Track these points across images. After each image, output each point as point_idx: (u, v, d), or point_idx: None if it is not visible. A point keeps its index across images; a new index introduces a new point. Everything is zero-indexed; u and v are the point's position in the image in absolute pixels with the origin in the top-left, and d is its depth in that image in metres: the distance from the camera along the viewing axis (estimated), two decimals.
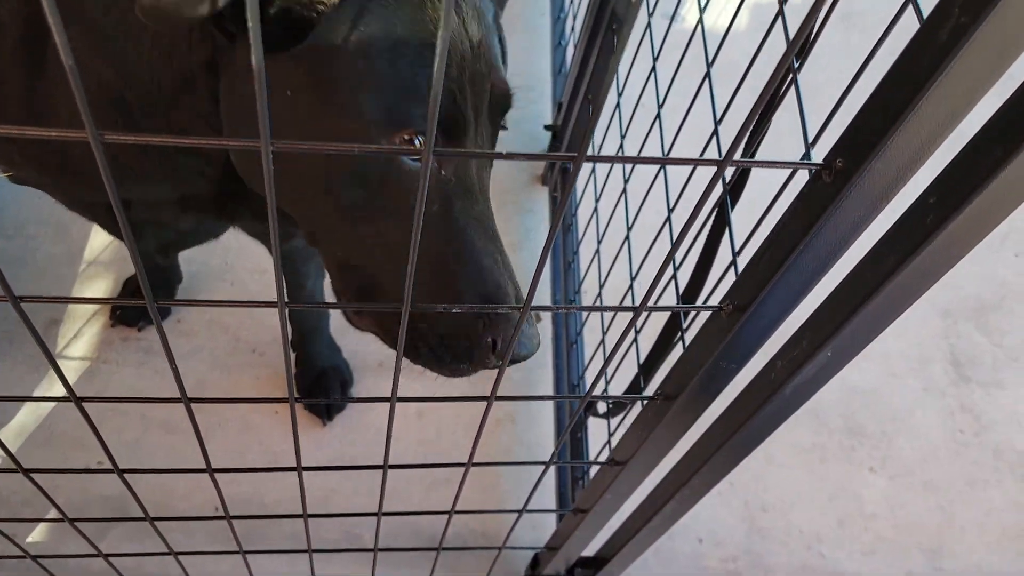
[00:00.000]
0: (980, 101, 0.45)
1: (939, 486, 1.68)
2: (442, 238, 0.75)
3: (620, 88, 1.39)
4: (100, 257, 1.71)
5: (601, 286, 1.46)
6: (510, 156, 0.43)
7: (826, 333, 0.63)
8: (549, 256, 1.77)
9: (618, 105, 1.40)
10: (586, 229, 1.65)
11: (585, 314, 1.64)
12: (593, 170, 1.60)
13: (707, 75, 1.01)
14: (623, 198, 1.39)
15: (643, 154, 1.31)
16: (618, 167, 1.49)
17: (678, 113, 1.13)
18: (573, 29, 1.98)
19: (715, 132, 0.96)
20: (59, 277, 1.69)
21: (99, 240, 1.73)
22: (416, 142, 0.71)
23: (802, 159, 0.53)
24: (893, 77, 0.45)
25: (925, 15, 0.46)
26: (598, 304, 1.49)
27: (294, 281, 1.36)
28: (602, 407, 1.39)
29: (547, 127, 1.94)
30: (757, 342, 0.65)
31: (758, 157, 0.69)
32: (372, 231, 0.75)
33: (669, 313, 1.09)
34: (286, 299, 0.55)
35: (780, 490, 1.64)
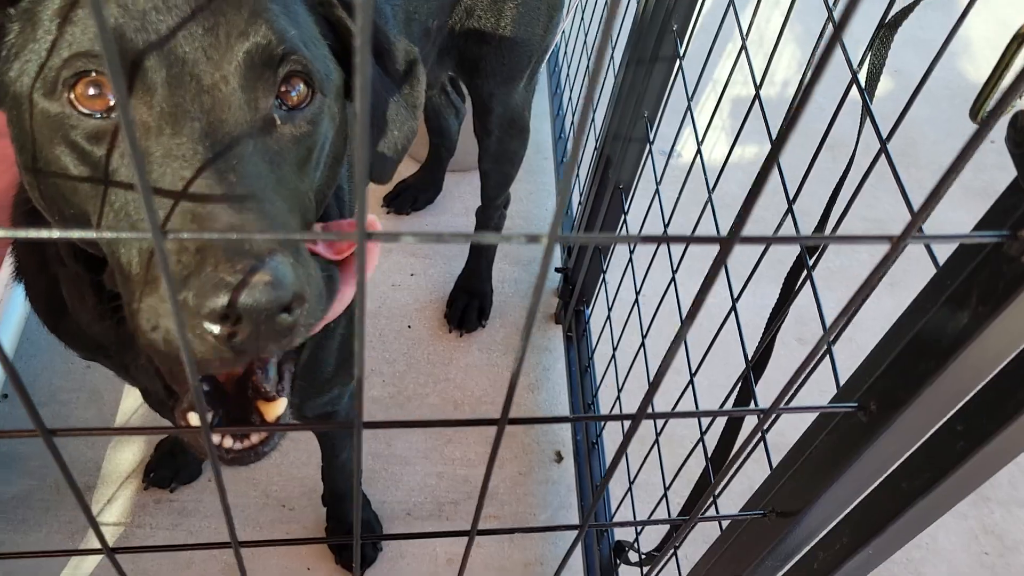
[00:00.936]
0: (1004, 361, 0.50)
1: None
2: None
3: (634, 244, 1.47)
4: (131, 421, 1.76)
5: (626, 437, 1.50)
6: None
7: (865, 535, 0.67)
8: (568, 394, 1.82)
9: (630, 261, 1.48)
10: (603, 376, 1.70)
11: (610, 457, 1.67)
12: (609, 316, 1.66)
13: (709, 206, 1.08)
14: (642, 351, 1.44)
15: (648, 282, 1.37)
16: (631, 288, 1.55)
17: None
18: (577, 176, 2.08)
19: (734, 310, 1.02)
20: (91, 442, 1.73)
21: (129, 403, 1.77)
22: (92, 91, 0.65)
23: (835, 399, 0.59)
24: (919, 344, 0.51)
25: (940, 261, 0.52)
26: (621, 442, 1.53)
27: (329, 451, 1.40)
28: (634, 556, 1.42)
29: (558, 269, 2.02)
30: (800, 546, 0.70)
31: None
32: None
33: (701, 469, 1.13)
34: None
35: None
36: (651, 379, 1.40)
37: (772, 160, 0.34)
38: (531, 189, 2.31)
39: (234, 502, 1.70)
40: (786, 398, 0.50)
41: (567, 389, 1.91)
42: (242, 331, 0.57)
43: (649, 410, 0.49)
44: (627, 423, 1.63)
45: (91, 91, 0.65)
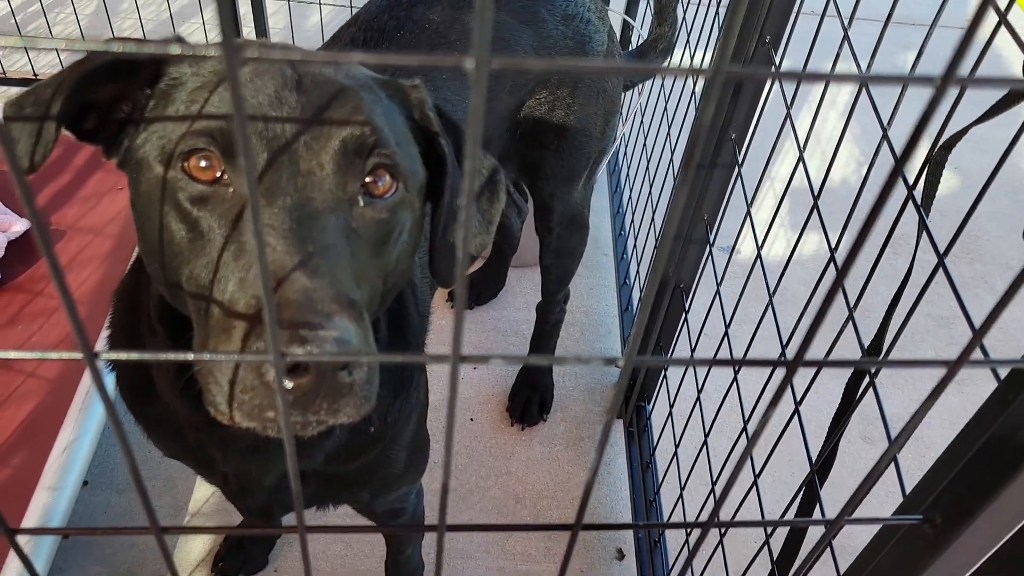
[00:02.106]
0: None
1: None
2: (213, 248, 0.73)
3: (693, 340, 1.49)
4: (203, 508, 1.81)
5: (693, 550, 1.50)
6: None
7: None
8: (629, 490, 1.82)
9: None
10: (666, 472, 1.70)
11: (673, 556, 1.66)
12: (671, 413, 1.68)
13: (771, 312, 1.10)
14: (705, 448, 1.45)
15: (715, 361, 1.39)
16: (692, 384, 1.56)
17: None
18: (638, 274, 2.12)
19: (797, 413, 1.04)
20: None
21: (202, 492, 1.83)
22: (203, 164, 0.73)
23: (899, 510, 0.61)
24: (982, 458, 0.53)
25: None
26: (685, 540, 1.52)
27: (395, 547, 1.42)
28: None
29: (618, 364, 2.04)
30: None
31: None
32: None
33: None
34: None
35: None
36: (714, 478, 1.41)
37: (830, 299, 0.38)
38: (591, 284, 2.36)
39: None
40: (852, 507, 0.52)
41: (628, 484, 1.91)
42: (307, 383, 0.63)
43: (717, 518, 0.51)
44: (692, 530, 1.63)
45: (202, 163, 0.74)
